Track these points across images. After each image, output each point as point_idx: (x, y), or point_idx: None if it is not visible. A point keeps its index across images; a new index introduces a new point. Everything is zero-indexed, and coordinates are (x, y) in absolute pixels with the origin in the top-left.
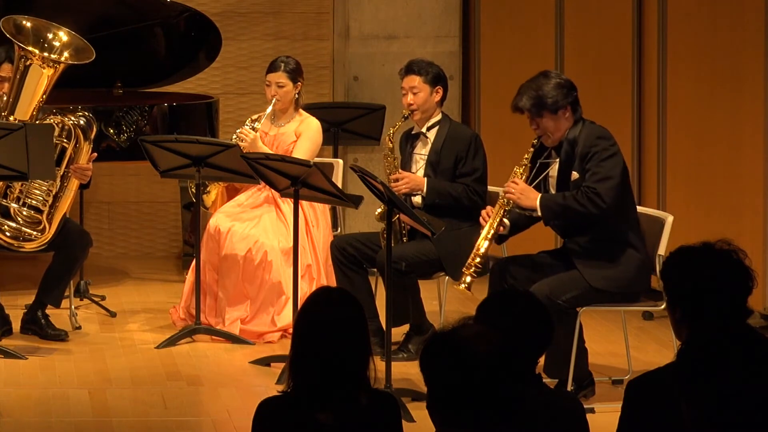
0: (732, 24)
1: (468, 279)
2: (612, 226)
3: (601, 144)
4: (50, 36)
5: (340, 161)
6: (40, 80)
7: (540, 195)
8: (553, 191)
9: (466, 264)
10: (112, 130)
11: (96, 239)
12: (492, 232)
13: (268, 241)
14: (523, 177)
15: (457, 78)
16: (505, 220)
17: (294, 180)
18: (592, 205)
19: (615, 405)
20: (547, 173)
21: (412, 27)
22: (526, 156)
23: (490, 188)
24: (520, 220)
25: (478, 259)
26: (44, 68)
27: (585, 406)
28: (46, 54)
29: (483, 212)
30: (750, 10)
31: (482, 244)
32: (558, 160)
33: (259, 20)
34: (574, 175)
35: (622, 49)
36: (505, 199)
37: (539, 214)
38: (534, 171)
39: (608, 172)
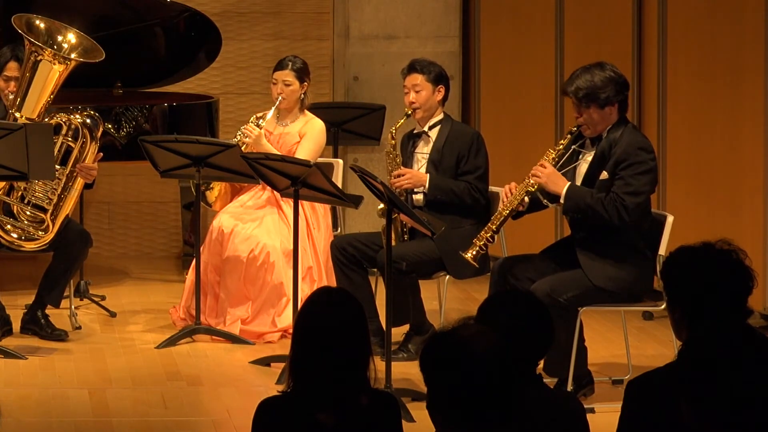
0: (732, 22)
1: (474, 252)
2: (624, 231)
3: (641, 156)
4: (60, 38)
5: (340, 161)
6: (49, 76)
7: (568, 184)
8: (578, 181)
9: (478, 236)
10: (111, 126)
11: (96, 239)
12: (510, 210)
13: (271, 242)
14: (554, 161)
15: (457, 78)
16: (525, 198)
17: (294, 180)
18: (616, 215)
19: (615, 405)
20: (579, 163)
21: (412, 27)
22: (562, 141)
23: (491, 188)
24: (536, 197)
25: (489, 234)
26: (55, 64)
27: (585, 406)
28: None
29: (506, 187)
30: (749, 8)
31: (497, 221)
32: (593, 153)
33: (259, 20)
34: (604, 174)
35: (622, 49)
36: (530, 180)
37: (561, 202)
38: (566, 156)
39: (641, 187)
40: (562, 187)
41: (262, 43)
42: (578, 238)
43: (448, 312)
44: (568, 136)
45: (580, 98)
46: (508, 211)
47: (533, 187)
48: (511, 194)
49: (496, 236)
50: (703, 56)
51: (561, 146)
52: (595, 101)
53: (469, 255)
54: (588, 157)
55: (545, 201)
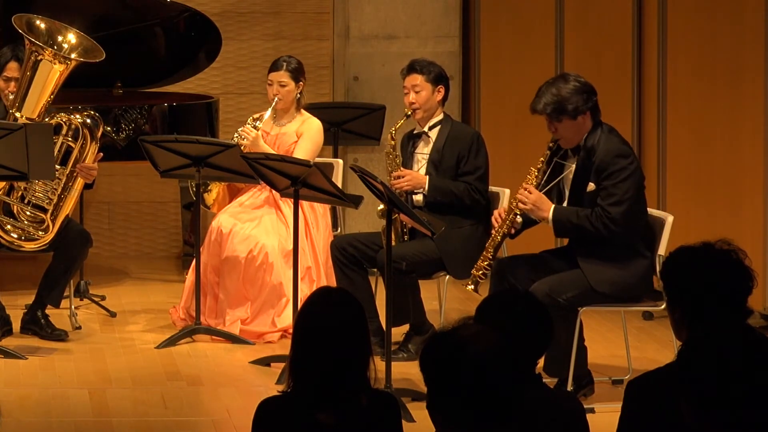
0: (732, 23)
1: (473, 283)
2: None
3: (619, 163)
4: (60, 38)
5: (340, 161)
6: (50, 76)
7: (553, 207)
8: (566, 192)
9: (476, 266)
10: (110, 128)
11: (96, 239)
12: (502, 235)
13: (269, 242)
14: (537, 179)
15: (457, 78)
16: (518, 219)
17: (294, 180)
18: (604, 228)
19: (615, 405)
20: (563, 175)
21: (412, 27)
22: (541, 159)
23: (491, 188)
24: (527, 217)
25: (486, 262)
26: (55, 63)
27: (585, 406)
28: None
29: (495, 213)
30: (749, 8)
31: (491, 247)
32: (574, 164)
33: (259, 20)
34: (591, 186)
35: (622, 49)
36: (516, 201)
37: (551, 226)
38: (549, 171)
39: (623, 195)
40: (547, 211)
41: (262, 43)
42: (576, 244)
43: (448, 312)
44: (547, 152)
45: (550, 113)
46: (500, 237)
47: (519, 210)
48: (501, 219)
49: (492, 262)
50: (703, 56)
51: (541, 163)
52: (564, 113)
53: (470, 287)
54: (572, 168)
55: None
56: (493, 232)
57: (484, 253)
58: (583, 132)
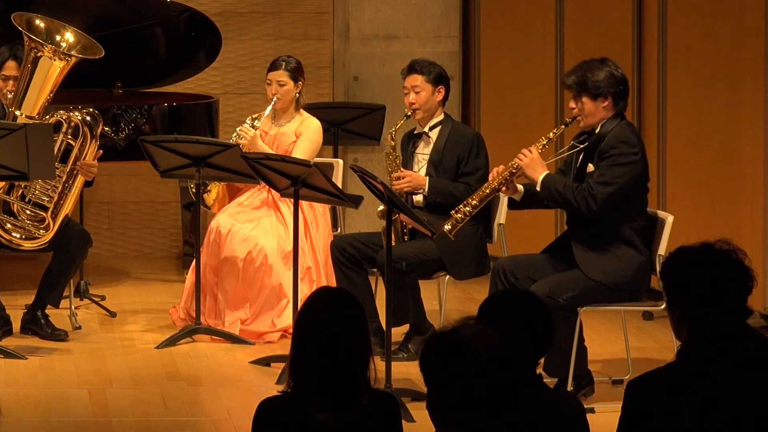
0: (731, 25)
1: (451, 224)
2: (616, 225)
3: (621, 148)
4: (58, 37)
5: (340, 161)
6: (50, 73)
7: (546, 173)
8: (571, 173)
9: (456, 208)
10: (109, 129)
11: (96, 239)
12: (492, 189)
13: (268, 244)
14: (542, 149)
15: (457, 78)
16: (520, 186)
17: (294, 180)
18: (584, 204)
19: (615, 405)
20: (574, 154)
21: (412, 27)
22: (554, 130)
23: None
24: (532, 188)
25: (468, 208)
26: (55, 60)
27: (585, 406)
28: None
29: (495, 169)
30: (749, 9)
31: (478, 197)
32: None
33: (259, 20)
34: (590, 167)
35: (622, 50)
36: (516, 163)
37: (537, 189)
38: (567, 147)
39: (613, 179)
40: (540, 173)
41: (262, 43)
42: (574, 233)
43: (448, 312)
44: (562, 126)
45: (570, 85)
46: (489, 190)
47: (516, 170)
48: (497, 173)
49: (473, 211)
50: (703, 56)
51: (552, 134)
52: (585, 90)
53: (447, 227)
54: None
55: (546, 201)
56: (485, 184)
57: (469, 199)
58: (600, 115)
